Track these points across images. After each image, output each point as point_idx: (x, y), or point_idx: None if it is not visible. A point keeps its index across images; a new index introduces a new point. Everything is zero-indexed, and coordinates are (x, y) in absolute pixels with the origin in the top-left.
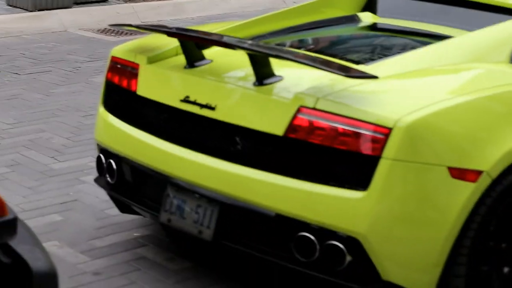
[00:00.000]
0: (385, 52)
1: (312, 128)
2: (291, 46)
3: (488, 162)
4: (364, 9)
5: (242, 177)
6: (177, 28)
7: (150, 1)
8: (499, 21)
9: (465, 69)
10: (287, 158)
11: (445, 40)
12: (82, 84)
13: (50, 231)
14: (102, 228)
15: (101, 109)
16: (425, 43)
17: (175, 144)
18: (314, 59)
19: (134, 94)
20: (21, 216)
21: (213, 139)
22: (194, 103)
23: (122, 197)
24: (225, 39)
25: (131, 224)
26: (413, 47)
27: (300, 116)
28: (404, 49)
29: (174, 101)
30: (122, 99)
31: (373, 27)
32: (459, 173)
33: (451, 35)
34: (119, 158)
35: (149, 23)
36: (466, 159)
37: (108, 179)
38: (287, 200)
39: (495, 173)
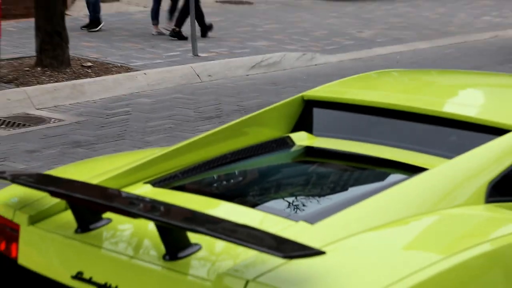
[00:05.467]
0: (329, 197)
1: None
2: (210, 192)
3: None
4: (298, 126)
5: None
6: (66, 182)
7: (44, 83)
8: (461, 140)
9: (437, 222)
10: None
11: (403, 181)
12: None
13: None
14: None
15: None
16: (376, 177)
17: None
18: (240, 234)
19: (14, 262)
20: None
21: None
22: (89, 281)
23: None
24: (121, 206)
25: None
26: (362, 186)
27: None
28: (351, 189)
29: (64, 277)
30: (1, 266)
31: (310, 153)
32: None
33: (403, 160)
34: None
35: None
36: None
37: None
38: None
39: None
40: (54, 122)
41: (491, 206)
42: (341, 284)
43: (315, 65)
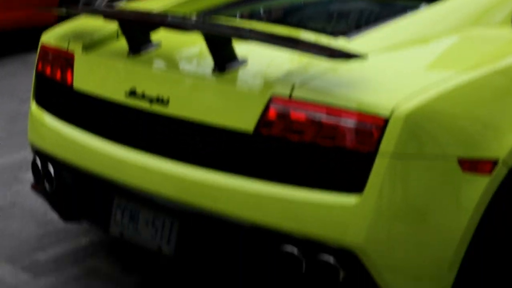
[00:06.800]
0: (364, 17)
1: (289, 121)
2: (254, 18)
3: (504, 149)
4: None
5: (206, 182)
6: (118, 9)
7: None
8: None
9: (468, 37)
10: (261, 159)
11: (430, 5)
12: (17, 64)
13: None
14: (45, 236)
15: (34, 106)
16: (406, 4)
17: (122, 145)
18: (286, 39)
19: (70, 88)
20: None
21: (168, 139)
22: (142, 97)
23: (64, 208)
24: (174, 20)
25: (78, 229)
26: (397, 9)
27: (273, 107)
28: (385, 11)
29: (118, 96)
30: (57, 94)
31: None
32: (470, 165)
33: None
34: (57, 163)
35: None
36: (478, 148)
37: (46, 186)
38: (263, 209)
39: None
40: None
41: None
42: (378, 87)
43: None
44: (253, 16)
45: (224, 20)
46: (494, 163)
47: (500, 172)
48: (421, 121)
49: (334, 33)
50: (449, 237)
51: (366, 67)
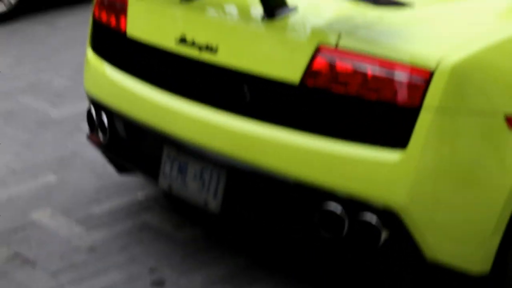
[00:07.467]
0: None
1: (335, 72)
2: None
3: None
4: None
5: (252, 135)
6: None
7: None
8: None
9: None
10: (306, 111)
11: None
12: (89, 13)
13: (43, 196)
14: (103, 189)
15: (90, 53)
16: None
17: (172, 94)
18: None
19: (123, 35)
20: (10, 179)
21: (216, 89)
22: (191, 44)
23: (117, 158)
24: None
25: (135, 183)
26: None
27: (319, 57)
28: None
29: (168, 43)
30: (111, 41)
31: None
32: None
33: None
34: (110, 112)
35: None
36: None
37: (100, 136)
38: (308, 164)
39: None
40: None
41: None
42: (423, 38)
43: None
44: None
45: None
46: None
47: None
48: (468, 74)
49: None
50: (494, 198)
51: (413, 17)
